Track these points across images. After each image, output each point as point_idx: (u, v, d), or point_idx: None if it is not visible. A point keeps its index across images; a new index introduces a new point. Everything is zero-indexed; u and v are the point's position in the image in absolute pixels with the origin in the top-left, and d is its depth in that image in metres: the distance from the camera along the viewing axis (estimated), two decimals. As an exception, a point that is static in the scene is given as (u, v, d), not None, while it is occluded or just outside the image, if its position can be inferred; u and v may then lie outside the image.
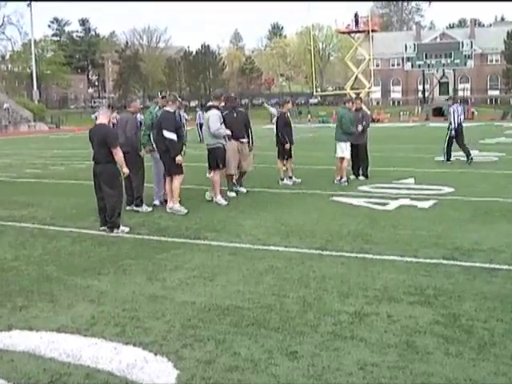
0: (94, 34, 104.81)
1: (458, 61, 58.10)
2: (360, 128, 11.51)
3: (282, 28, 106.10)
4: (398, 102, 69.37)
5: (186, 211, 8.46)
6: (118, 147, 7.28)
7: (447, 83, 64.92)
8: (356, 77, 57.25)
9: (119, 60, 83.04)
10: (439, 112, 47.68)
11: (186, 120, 11.37)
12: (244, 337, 3.93)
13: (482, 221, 7.58)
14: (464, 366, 3.45)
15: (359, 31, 58.37)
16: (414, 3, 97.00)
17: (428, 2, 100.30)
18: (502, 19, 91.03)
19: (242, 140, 10.13)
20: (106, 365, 3.55)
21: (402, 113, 52.53)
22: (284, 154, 11.32)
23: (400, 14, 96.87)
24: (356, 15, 57.80)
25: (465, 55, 57.95)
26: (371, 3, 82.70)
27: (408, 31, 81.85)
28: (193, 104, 67.52)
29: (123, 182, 7.80)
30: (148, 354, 3.69)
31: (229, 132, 9.48)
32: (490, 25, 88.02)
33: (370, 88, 56.71)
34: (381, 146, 18.39)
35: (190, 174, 10.22)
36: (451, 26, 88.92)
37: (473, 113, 48.81)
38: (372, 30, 56.38)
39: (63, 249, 6.61)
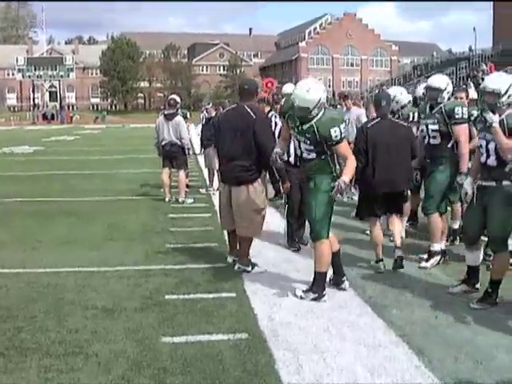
0: None
1: (62, 73, 69.22)
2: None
3: None
4: (14, 108, 77.15)
5: None
6: None
7: (56, 92, 75.63)
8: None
9: None
10: (47, 117, 58.76)
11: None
12: None
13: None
14: None
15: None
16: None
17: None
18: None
19: None
20: None
21: (12, 117, 60.59)
22: None
23: (16, 30, 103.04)
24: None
25: (68, 68, 69.44)
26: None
27: (21, 45, 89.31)
28: None
29: None
30: None
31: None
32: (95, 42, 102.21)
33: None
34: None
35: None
36: (58, 43, 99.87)
37: (71, 118, 61.31)
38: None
39: None
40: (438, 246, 5.81)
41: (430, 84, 5.84)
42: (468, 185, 4.87)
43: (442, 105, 5.72)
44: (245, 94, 5.59)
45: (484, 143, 4.70)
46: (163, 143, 9.81)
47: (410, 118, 6.88)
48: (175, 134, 9.73)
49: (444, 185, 5.76)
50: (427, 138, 5.83)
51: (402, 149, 5.69)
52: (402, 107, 7.02)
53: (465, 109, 5.68)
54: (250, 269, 5.64)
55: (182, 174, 9.98)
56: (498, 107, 4.59)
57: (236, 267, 5.71)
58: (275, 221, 8.19)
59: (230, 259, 5.93)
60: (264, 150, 5.35)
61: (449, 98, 5.88)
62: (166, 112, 9.93)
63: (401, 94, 7.12)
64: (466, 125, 5.71)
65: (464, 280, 5.06)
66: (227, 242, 6.10)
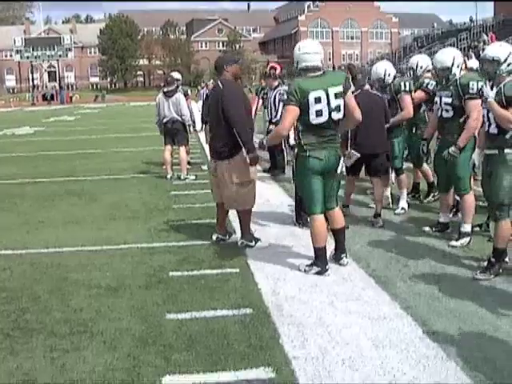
0: None
1: (60, 53, 68.69)
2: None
3: None
4: (13, 90, 76.74)
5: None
6: None
7: (55, 72, 75.12)
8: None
9: None
10: (47, 98, 58.43)
11: None
12: None
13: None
14: None
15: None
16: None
17: None
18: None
19: None
20: None
21: (11, 99, 60.41)
22: None
23: (12, 11, 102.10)
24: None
25: (66, 48, 68.87)
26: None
27: (19, 26, 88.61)
28: None
29: None
30: None
31: None
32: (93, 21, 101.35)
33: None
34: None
35: None
36: (56, 23, 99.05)
37: (71, 97, 60.86)
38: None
39: None
40: (468, 227, 5.66)
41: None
42: (476, 156, 4.82)
43: (456, 77, 5.51)
44: (217, 69, 5.68)
45: (485, 112, 4.68)
46: (164, 120, 9.78)
47: (403, 88, 6.83)
48: (176, 110, 9.70)
49: (467, 162, 5.52)
50: (440, 110, 5.69)
51: (378, 116, 6.41)
52: (394, 79, 7.03)
53: (480, 83, 5.32)
54: (253, 244, 5.64)
55: (182, 150, 9.98)
56: (498, 75, 4.57)
57: (239, 243, 5.70)
58: (278, 196, 8.20)
59: (214, 237, 5.89)
60: (231, 120, 5.38)
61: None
62: (165, 89, 9.87)
63: (390, 68, 7.14)
64: (478, 100, 5.35)
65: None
66: (215, 218, 6.03)
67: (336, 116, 4.73)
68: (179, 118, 9.76)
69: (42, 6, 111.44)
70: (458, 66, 5.54)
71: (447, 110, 5.60)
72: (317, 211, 4.86)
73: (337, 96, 4.67)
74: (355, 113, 4.87)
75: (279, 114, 9.68)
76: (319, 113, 4.64)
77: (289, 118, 4.68)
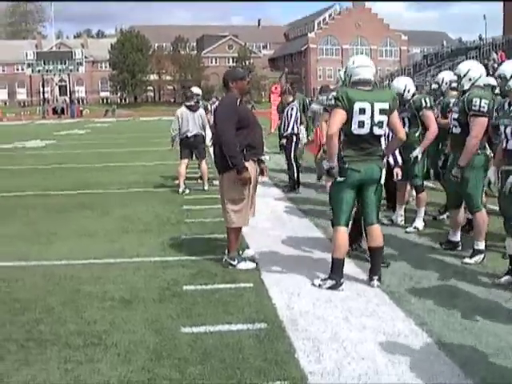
0: None
1: (71, 67, 69.36)
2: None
3: None
4: (24, 103, 77.45)
5: None
6: None
7: (65, 86, 75.79)
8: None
9: None
10: (57, 111, 59.00)
11: None
12: None
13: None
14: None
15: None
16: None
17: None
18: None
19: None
20: None
21: (22, 112, 60.87)
22: None
23: (24, 25, 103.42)
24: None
25: (77, 62, 69.56)
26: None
27: (31, 40, 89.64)
28: None
29: None
30: None
31: None
32: (104, 36, 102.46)
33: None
34: None
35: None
36: (67, 37, 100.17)
37: (81, 111, 61.38)
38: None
39: None
40: (482, 245, 5.62)
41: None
42: (492, 173, 4.81)
43: (466, 94, 5.50)
44: (224, 85, 5.59)
45: (503, 128, 4.68)
46: (188, 134, 9.88)
47: (424, 104, 6.80)
48: (200, 125, 9.91)
49: (479, 180, 5.51)
50: (451, 125, 5.72)
51: None
52: (413, 95, 7.00)
53: (484, 101, 5.34)
54: (235, 263, 5.49)
55: (204, 163, 10.18)
56: (508, 90, 4.62)
57: (223, 260, 5.60)
58: (294, 213, 8.20)
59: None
60: (217, 136, 5.40)
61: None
62: (187, 103, 10.01)
63: (410, 84, 7.09)
64: (482, 118, 5.36)
65: (509, 271, 4.94)
66: None
67: (377, 131, 4.77)
68: (202, 132, 9.97)
69: (55, 20, 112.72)
70: (468, 80, 5.53)
71: (456, 126, 5.61)
72: (341, 223, 4.87)
73: (381, 112, 4.73)
74: (400, 134, 4.92)
75: (290, 127, 9.80)
76: (361, 124, 4.70)
77: (336, 120, 4.70)
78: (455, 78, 6.03)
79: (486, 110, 5.36)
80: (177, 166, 10.33)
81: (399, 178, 6.46)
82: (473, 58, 40.23)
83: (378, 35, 79.40)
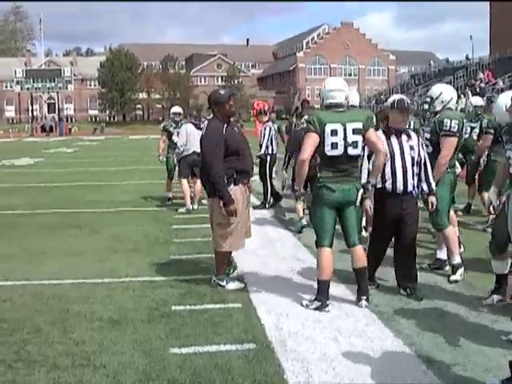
0: None
1: (60, 85, 69.36)
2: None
3: None
4: (13, 120, 77.23)
5: None
6: None
7: (54, 103, 75.70)
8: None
9: None
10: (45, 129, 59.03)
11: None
12: None
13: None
14: None
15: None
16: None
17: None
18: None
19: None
20: None
21: (11, 130, 60.54)
22: None
23: (14, 42, 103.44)
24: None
25: (66, 80, 69.57)
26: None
27: (20, 58, 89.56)
28: None
29: None
30: None
31: None
32: (93, 54, 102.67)
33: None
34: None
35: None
36: (56, 55, 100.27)
37: (70, 129, 61.33)
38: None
39: None
40: (458, 258, 5.70)
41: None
42: (492, 194, 4.88)
43: (438, 115, 5.71)
44: (209, 107, 5.58)
45: (510, 154, 4.69)
46: (191, 152, 9.72)
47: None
48: None
49: (447, 197, 5.69)
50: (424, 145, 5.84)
51: None
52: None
53: (455, 121, 5.55)
54: (223, 283, 5.48)
55: (199, 182, 10.01)
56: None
57: (212, 281, 5.59)
58: (277, 229, 8.23)
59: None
60: (203, 161, 5.45)
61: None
62: (193, 121, 10.00)
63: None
64: (452, 138, 5.60)
65: (494, 290, 4.99)
66: None
67: (352, 151, 4.80)
68: None
69: (44, 38, 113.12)
70: (441, 102, 5.72)
71: (427, 146, 5.70)
72: (325, 243, 4.88)
73: (354, 132, 4.78)
74: (378, 145, 4.90)
75: (264, 147, 10.07)
76: (334, 145, 4.74)
77: (309, 144, 4.76)
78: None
79: (456, 130, 5.60)
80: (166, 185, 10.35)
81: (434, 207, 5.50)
82: (460, 77, 40.87)
83: (367, 55, 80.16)
